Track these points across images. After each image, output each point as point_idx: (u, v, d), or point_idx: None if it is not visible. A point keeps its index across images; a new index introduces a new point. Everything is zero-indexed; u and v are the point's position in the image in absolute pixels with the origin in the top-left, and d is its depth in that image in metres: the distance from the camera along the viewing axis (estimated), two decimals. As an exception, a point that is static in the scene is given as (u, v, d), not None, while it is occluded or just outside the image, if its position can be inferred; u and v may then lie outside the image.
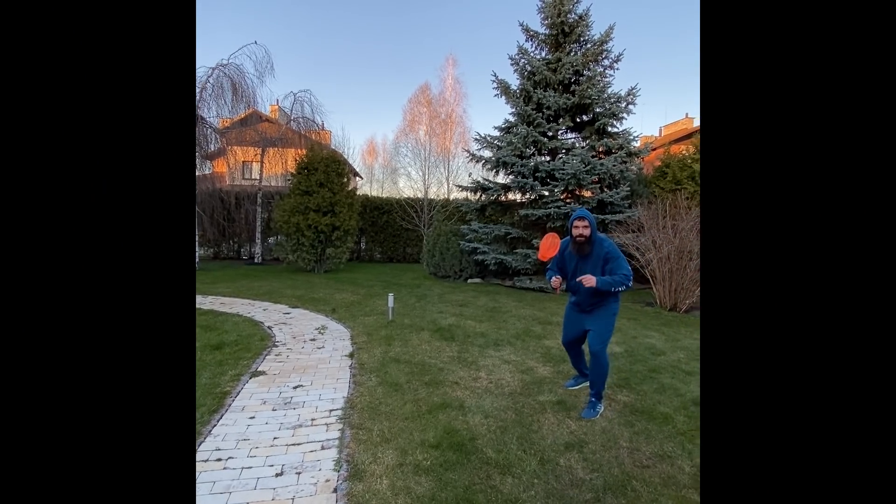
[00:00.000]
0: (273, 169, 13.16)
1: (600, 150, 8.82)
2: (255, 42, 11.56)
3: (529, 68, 8.92)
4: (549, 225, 8.16)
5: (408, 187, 17.92)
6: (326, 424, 2.71)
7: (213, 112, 10.59)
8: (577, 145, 8.93)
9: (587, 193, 8.73)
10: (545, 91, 8.62)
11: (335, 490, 2.06)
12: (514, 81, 9.27)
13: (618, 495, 2.06)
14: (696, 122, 22.04)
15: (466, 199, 10.71)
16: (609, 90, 8.69)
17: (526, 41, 9.35)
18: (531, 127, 8.58)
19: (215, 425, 2.65)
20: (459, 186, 9.98)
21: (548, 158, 8.91)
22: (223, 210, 12.56)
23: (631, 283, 2.76)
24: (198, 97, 9.83)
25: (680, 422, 2.80)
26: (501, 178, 9.39)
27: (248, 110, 11.52)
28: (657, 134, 25.06)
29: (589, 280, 2.72)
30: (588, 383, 3.07)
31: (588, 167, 8.08)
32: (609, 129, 8.83)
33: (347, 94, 42.66)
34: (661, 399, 3.16)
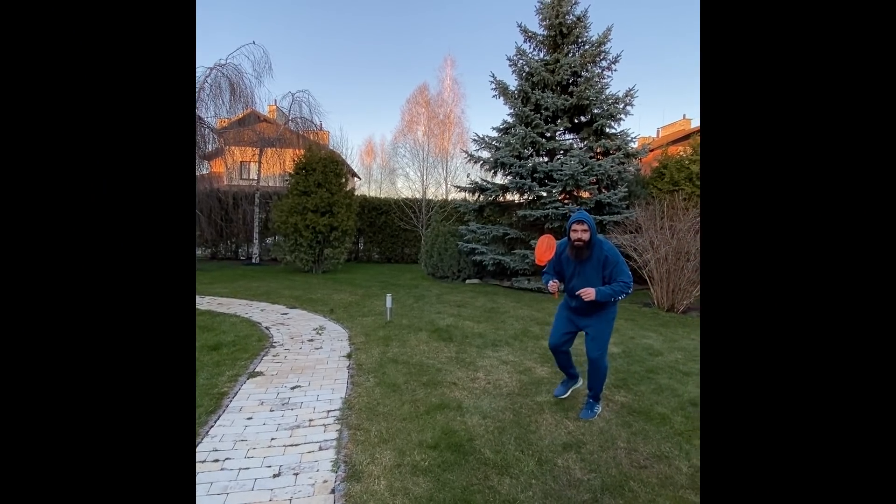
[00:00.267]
0: (271, 169, 13.14)
1: (598, 151, 8.84)
2: (254, 42, 11.54)
3: (528, 69, 8.94)
4: (547, 226, 8.17)
5: (406, 188, 17.91)
6: (324, 425, 2.70)
7: (210, 112, 10.59)
8: (575, 146, 8.95)
9: (585, 194, 8.74)
10: (543, 92, 8.64)
11: (333, 491, 2.06)
12: (513, 82, 9.30)
13: (615, 496, 2.06)
14: (694, 124, 22.12)
15: (464, 199, 10.71)
16: (607, 91, 8.71)
17: (524, 42, 9.38)
18: (529, 128, 8.59)
19: (212, 426, 2.65)
20: (457, 187, 9.99)
21: (546, 159, 8.92)
22: (221, 210, 12.53)
23: (631, 290, 2.66)
24: (196, 97, 9.80)
25: (677, 422, 2.80)
26: (499, 179, 9.40)
27: (246, 110, 11.51)
28: (655, 135, 25.15)
29: (588, 294, 2.62)
30: (577, 385, 3.05)
31: (586, 168, 8.09)
32: (607, 130, 8.86)
33: (346, 95, 42.68)
34: (659, 399, 3.16)
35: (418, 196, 15.17)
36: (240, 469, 2.21)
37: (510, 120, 9.28)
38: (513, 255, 8.48)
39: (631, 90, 8.67)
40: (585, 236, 2.70)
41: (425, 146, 16.27)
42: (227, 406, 2.94)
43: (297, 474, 2.18)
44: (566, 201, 8.72)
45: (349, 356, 4.08)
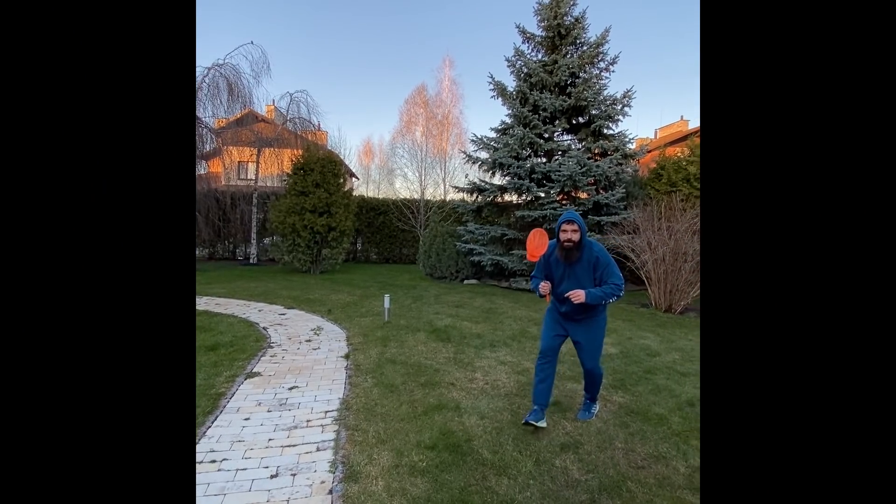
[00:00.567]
0: (269, 169, 13.12)
1: (596, 151, 8.86)
2: (252, 42, 11.51)
3: (526, 70, 8.96)
4: (545, 226, 8.18)
5: (404, 188, 17.93)
6: (322, 426, 2.70)
7: (208, 112, 10.58)
8: (573, 147, 8.97)
9: (583, 195, 8.77)
10: (541, 93, 8.65)
11: (331, 492, 2.05)
12: (511, 83, 9.32)
13: (613, 496, 2.06)
14: (692, 125, 22.20)
15: (463, 200, 10.71)
16: (605, 92, 8.74)
17: (522, 43, 9.40)
18: (527, 128, 8.61)
19: (210, 427, 2.64)
20: (456, 187, 9.99)
21: (544, 160, 8.94)
22: (218, 210, 12.50)
23: (623, 293, 2.57)
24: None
25: (675, 423, 2.81)
26: (498, 180, 9.42)
27: (244, 110, 11.49)
28: (652, 136, 25.22)
29: (578, 296, 2.50)
30: (543, 424, 2.66)
31: (584, 169, 8.11)
32: (605, 131, 8.88)
33: (344, 95, 42.63)
34: (656, 400, 3.17)
35: (416, 196, 15.18)
36: (237, 470, 2.21)
37: (508, 121, 9.30)
38: (511, 255, 8.49)
39: (629, 91, 8.70)
40: (575, 237, 2.60)
41: (423, 146, 16.30)
42: (225, 407, 2.93)
43: (294, 475, 2.18)
44: (564, 202, 8.74)
45: (347, 357, 4.08)
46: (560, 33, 8.88)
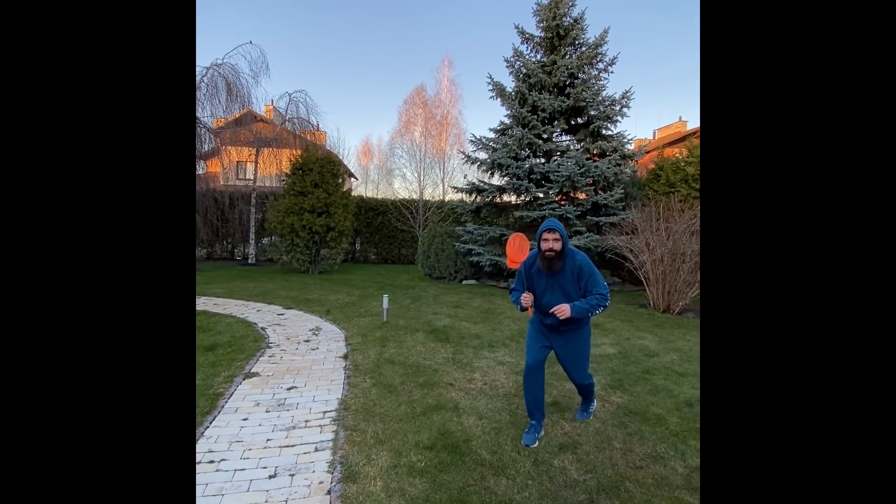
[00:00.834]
0: (267, 169, 13.11)
1: (594, 152, 8.87)
2: (251, 42, 11.52)
3: (525, 71, 8.97)
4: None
5: (403, 188, 17.94)
6: (320, 426, 2.70)
7: (207, 112, 10.56)
8: (572, 148, 8.98)
9: (582, 196, 8.78)
10: (540, 93, 8.66)
11: (329, 492, 2.05)
12: (510, 84, 9.33)
13: (611, 496, 2.07)
14: (690, 126, 22.24)
15: (461, 200, 10.72)
16: (603, 93, 8.76)
17: (521, 44, 9.40)
18: (526, 129, 8.62)
19: (208, 427, 2.64)
20: (454, 188, 10.00)
21: (542, 160, 8.95)
22: (217, 210, 12.49)
23: (609, 303, 2.45)
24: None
25: (673, 423, 2.81)
26: (496, 180, 9.42)
27: (242, 110, 11.48)
28: (651, 137, 25.26)
29: (562, 311, 2.36)
30: (541, 433, 2.63)
31: (582, 169, 8.12)
32: (603, 131, 8.90)
33: (343, 95, 42.61)
34: (655, 400, 3.18)
35: (415, 197, 15.18)
36: (235, 470, 2.21)
37: (507, 121, 9.31)
38: (509, 256, 8.47)
39: (627, 92, 8.71)
40: (557, 246, 2.45)
41: (422, 147, 16.30)
42: (223, 407, 2.92)
43: (293, 475, 2.18)
44: (563, 202, 8.75)
45: (345, 357, 4.07)
46: (559, 34, 8.89)
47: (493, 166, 8.99)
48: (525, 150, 8.87)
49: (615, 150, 8.57)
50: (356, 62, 43.77)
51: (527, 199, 8.84)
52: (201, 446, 2.42)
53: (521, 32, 9.31)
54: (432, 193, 16.06)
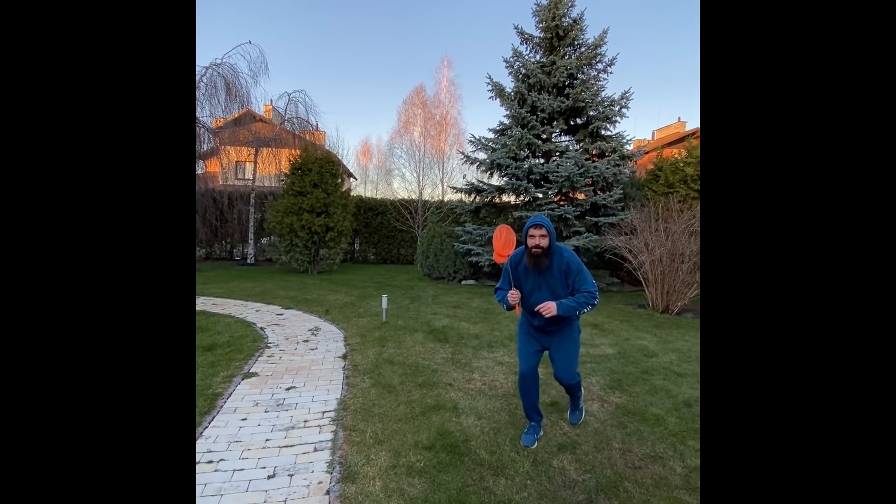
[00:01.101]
0: (266, 169, 13.10)
1: (594, 153, 8.88)
2: (250, 42, 11.53)
3: (524, 71, 8.98)
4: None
5: (402, 188, 17.93)
6: (319, 426, 2.70)
7: (206, 111, 10.56)
8: (571, 148, 8.99)
9: (580, 196, 8.78)
10: (539, 94, 8.67)
11: (328, 492, 2.05)
12: (509, 84, 9.33)
13: (610, 496, 2.07)
14: (689, 126, 22.26)
15: (461, 200, 10.72)
16: (603, 94, 8.76)
17: (521, 44, 9.41)
18: (525, 129, 8.62)
19: (207, 427, 2.63)
20: (454, 188, 10.00)
21: (542, 161, 8.96)
22: (216, 210, 12.48)
23: (597, 301, 2.37)
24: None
25: (672, 423, 2.82)
26: (496, 180, 9.43)
27: (241, 110, 11.47)
28: (650, 137, 25.28)
29: (548, 309, 2.28)
30: (541, 433, 2.64)
31: (581, 170, 8.13)
32: (602, 132, 8.90)
33: (342, 95, 42.59)
34: (653, 400, 3.18)
35: (414, 197, 15.17)
36: (234, 470, 2.20)
37: (506, 121, 9.31)
38: (509, 256, 8.47)
39: (626, 93, 8.72)
40: (544, 242, 2.37)
41: (422, 147, 16.30)
42: (222, 407, 2.92)
43: (291, 475, 2.18)
44: (562, 203, 8.76)
45: (344, 357, 4.07)
46: (558, 34, 8.90)
47: (492, 166, 9.00)
48: (524, 151, 8.87)
49: (614, 151, 8.58)
50: (356, 62, 43.79)
51: (526, 199, 8.85)
52: (200, 446, 2.41)
53: (521, 33, 9.32)
54: (431, 193, 16.07)
